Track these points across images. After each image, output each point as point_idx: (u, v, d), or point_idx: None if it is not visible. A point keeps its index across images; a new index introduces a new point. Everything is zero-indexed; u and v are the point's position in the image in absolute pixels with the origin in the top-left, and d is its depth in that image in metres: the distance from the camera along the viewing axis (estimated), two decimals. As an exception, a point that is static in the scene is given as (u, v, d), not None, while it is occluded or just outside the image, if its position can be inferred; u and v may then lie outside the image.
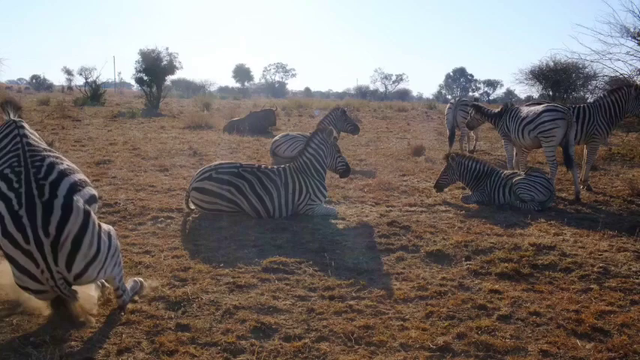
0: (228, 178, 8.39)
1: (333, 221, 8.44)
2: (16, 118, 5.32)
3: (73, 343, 4.45)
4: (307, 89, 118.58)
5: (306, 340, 4.62)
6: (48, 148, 5.19)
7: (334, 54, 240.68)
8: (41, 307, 4.93)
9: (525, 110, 11.22)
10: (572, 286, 5.95)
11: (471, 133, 17.71)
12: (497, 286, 5.88)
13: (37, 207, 4.37)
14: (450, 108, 17.62)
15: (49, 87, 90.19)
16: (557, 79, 29.28)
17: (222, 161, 9.26)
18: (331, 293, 5.60)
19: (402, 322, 5.00)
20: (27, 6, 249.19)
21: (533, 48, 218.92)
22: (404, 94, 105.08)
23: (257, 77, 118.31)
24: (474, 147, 17.82)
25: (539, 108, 10.96)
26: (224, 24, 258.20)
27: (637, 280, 6.15)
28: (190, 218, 8.37)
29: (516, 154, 11.86)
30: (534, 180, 9.52)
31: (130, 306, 5.11)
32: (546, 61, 29.60)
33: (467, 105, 15.89)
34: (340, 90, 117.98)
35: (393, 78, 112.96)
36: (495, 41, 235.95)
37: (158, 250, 6.83)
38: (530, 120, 10.85)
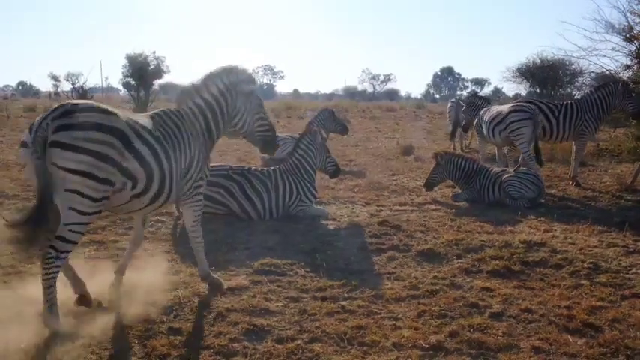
0: (217, 181, 8.37)
1: (323, 222, 8.44)
2: None
3: (63, 347, 4.42)
4: (296, 91, 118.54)
5: (299, 342, 4.61)
6: None
7: (322, 55, 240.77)
8: None
9: (495, 110, 11.64)
10: (563, 282, 5.98)
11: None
12: (488, 284, 5.90)
13: None
14: (451, 106, 18.01)
15: (36, 93, 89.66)
16: (545, 76, 29.38)
17: (211, 164, 9.24)
18: (323, 294, 5.59)
19: (394, 322, 5.00)
20: (12, 12, 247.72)
21: (521, 46, 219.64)
22: (392, 94, 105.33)
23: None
24: (463, 146, 17.91)
25: (507, 108, 11.37)
26: (211, 27, 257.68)
27: (627, 275, 6.19)
28: (181, 222, 8.32)
29: (497, 150, 12.16)
30: (523, 177, 9.57)
31: (122, 309, 5.09)
32: (533, 59, 29.71)
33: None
34: (329, 91, 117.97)
35: (381, 78, 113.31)
36: (483, 40, 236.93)
37: (149, 254, 6.79)
38: (499, 120, 11.22)
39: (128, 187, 4.78)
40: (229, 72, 5.72)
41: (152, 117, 5.28)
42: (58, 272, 4.59)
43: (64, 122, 4.46)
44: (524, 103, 11.77)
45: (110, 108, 4.81)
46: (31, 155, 4.48)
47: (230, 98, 5.73)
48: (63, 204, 4.52)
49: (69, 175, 4.43)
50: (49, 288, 4.56)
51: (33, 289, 5.54)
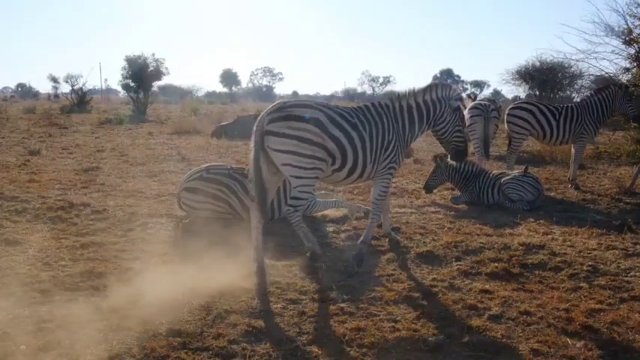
0: (219, 178, 8.35)
1: (322, 224, 8.43)
2: None
3: (62, 350, 4.42)
4: (295, 92, 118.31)
5: (298, 344, 4.61)
6: None
7: (321, 57, 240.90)
8: None
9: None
10: (562, 285, 5.98)
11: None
12: (487, 286, 5.90)
13: None
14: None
15: (35, 95, 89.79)
16: (544, 78, 29.42)
17: (212, 163, 9.25)
18: (322, 296, 5.59)
19: (393, 324, 5.00)
20: (11, 14, 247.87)
21: (520, 48, 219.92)
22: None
23: (244, 82, 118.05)
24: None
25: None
26: (210, 29, 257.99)
27: (626, 278, 6.19)
28: (180, 224, 8.33)
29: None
30: (523, 180, 9.56)
31: (121, 313, 5.09)
32: (532, 61, 29.77)
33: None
34: (328, 93, 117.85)
35: (381, 80, 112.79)
36: (482, 42, 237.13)
37: (148, 256, 6.79)
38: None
39: (329, 162, 6.34)
40: (445, 88, 7.04)
41: (357, 108, 6.76)
42: (300, 218, 6.46)
43: (274, 116, 6.13)
44: (479, 102, 12.81)
45: (312, 103, 6.45)
46: (254, 143, 6.19)
47: (439, 108, 6.97)
48: (285, 174, 6.30)
49: (279, 154, 6.13)
50: (300, 229, 6.51)
51: (32, 291, 5.57)
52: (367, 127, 6.55)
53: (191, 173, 8.62)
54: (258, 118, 6.24)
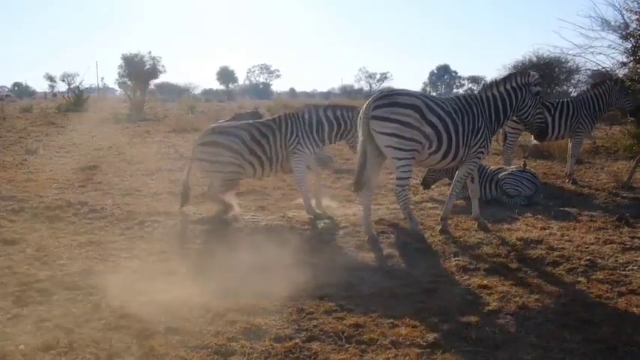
0: (234, 131, 8.61)
1: (321, 221, 8.42)
2: None
3: (61, 349, 4.42)
4: (292, 89, 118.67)
5: (297, 340, 4.60)
6: None
7: (318, 54, 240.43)
8: None
9: None
10: (560, 280, 5.98)
11: None
12: (485, 282, 5.90)
13: None
14: None
15: (32, 94, 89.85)
16: (541, 73, 29.32)
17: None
18: (321, 293, 5.58)
19: (392, 320, 4.99)
20: (7, 12, 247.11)
21: (517, 43, 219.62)
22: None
23: (241, 79, 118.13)
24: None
25: None
26: (207, 26, 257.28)
27: (624, 272, 6.19)
28: (178, 222, 8.33)
29: None
30: (520, 175, 9.56)
31: (120, 311, 5.09)
32: (529, 56, 29.61)
33: None
34: (325, 90, 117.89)
35: (378, 77, 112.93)
36: (479, 37, 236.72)
37: (146, 254, 6.79)
38: None
39: (426, 146, 7.05)
40: (524, 75, 7.63)
41: (450, 98, 7.49)
42: (407, 196, 7.42)
43: (379, 103, 6.92)
44: None
45: (413, 92, 7.16)
46: (361, 127, 7.02)
47: (521, 95, 7.58)
48: (387, 155, 7.07)
49: (383, 136, 6.90)
50: (406, 208, 7.39)
51: (31, 290, 5.57)
52: (460, 115, 7.23)
53: (204, 133, 8.84)
54: (364, 106, 7.03)
